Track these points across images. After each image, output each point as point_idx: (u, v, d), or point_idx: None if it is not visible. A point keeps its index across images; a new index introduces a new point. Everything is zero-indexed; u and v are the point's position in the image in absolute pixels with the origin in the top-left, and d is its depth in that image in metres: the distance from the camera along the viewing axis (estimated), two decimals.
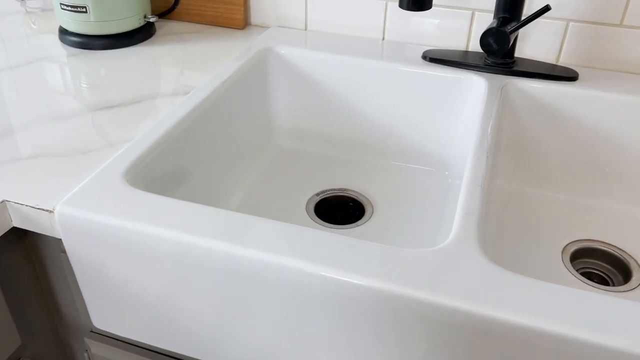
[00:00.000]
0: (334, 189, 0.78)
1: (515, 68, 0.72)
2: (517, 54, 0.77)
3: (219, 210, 0.47)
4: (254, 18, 0.90)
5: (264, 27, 0.90)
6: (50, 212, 0.49)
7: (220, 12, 0.89)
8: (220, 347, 0.52)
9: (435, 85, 0.74)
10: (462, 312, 0.39)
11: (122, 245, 0.48)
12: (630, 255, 0.66)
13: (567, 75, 0.71)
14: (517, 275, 0.42)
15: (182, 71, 0.76)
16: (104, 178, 0.52)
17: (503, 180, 0.77)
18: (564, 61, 0.77)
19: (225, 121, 0.71)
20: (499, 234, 0.69)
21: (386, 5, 0.81)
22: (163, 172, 0.59)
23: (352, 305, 0.42)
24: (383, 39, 0.84)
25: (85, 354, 0.65)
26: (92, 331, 0.64)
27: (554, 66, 0.74)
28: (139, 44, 0.84)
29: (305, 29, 0.88)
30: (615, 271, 0.67)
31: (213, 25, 0.91)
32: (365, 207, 0.75)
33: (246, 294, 0.46)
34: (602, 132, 0.71)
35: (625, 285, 0.63)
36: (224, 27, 0.90)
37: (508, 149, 0.75)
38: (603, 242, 0.68)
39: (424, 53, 0.77)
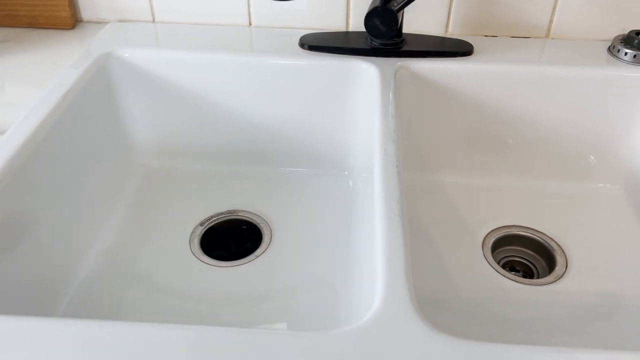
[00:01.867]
0: (221, 213, 0.65)
1: (405, 48, 0.63)
2: (404, 29, 0.68)
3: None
4: (85, 13, 0.72)
5: (100, 23, 0.72)
6: None
7: (39, 10, 0.70)
8: None
9: (319, 78, 0.63)
10: None
11: None
12: (550, 237, 0.62)
13: (461, 51, 0.63)
14: (462, 341, 0.33)
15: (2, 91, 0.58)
16: None
17: (408, 171, 0.69)
18: (454, 31, 0.69)
19: (70, 150, 0.55)
20: (412, 230, 0.62)
21: None
22: None
23: None
24: (250, 24, 0.71)
25: None
26: None
27: (445, 39, 0.66)
28: None
29: (153, 21, 0.72)
30: (537, 256, 0.62)
31: (31, 27, 0.71)
32: (261, 229, 0.63)
33: None
34: (502, 106, 0.64)
35: (551, 274, 0.58)
36: (46, 28, 0.71)
37: (409, 136, 0.67)
38: (521, 227, 0.63)
39: (301, 40, 0.65)
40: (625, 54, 0.62)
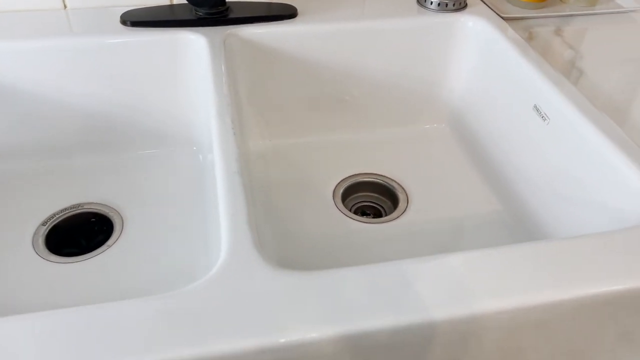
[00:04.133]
0: (65, 209, 0.62)
1: (232, 16, 0.63)
2: None
3: None
4: None
5: None
6: None
7: None
8: None
9: (148, 54, 0.62)
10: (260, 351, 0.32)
11: None
12: (391, 179, 0.67)
13: (286, 14, 0.65)
14: (306, 273, 0.35)
15: None
16: None
17: (255, 140, 0.70)
18: None
19: None
20: (267, 196, 0.63)
21: None
22: None
23: None
24: (65, 7, 0.66)
25: None
26: None
27: (270, 4, 0.67)
28: None
29: None
30: (384, 198, 0.67)
31: None
32: (111, 218, 0.61)
33: None
34: (333, 65, 0.68)
35: (395, 211, 0.64)
36: None
37: (250, 105, 0.68)
38: (365, 174, 0.68)
39: (122, 17, 0.63)
40: (431, 3, 0.69)
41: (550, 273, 0.36)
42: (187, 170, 0.67)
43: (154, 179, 0.65)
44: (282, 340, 0.31)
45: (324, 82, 0.69)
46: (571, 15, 0.72)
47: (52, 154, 0.66)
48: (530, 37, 0.66)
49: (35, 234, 0.59)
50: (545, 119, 0.55)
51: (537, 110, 0.56)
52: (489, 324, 0.34)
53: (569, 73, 0.59)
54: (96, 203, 0.63)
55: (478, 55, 0.68)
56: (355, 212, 0.65)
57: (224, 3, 0.63)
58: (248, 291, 0.34)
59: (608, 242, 0.38)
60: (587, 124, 0.49)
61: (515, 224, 0.59)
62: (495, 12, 0.69)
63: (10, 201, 0.62)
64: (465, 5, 0.69)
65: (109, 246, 0.58)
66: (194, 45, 0.62)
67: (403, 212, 0.63)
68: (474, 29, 0.68)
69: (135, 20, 0.62)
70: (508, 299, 0.34)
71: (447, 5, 0.68)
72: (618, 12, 0.73)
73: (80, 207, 0.62)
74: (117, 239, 0.58)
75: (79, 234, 0.61)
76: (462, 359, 0.37)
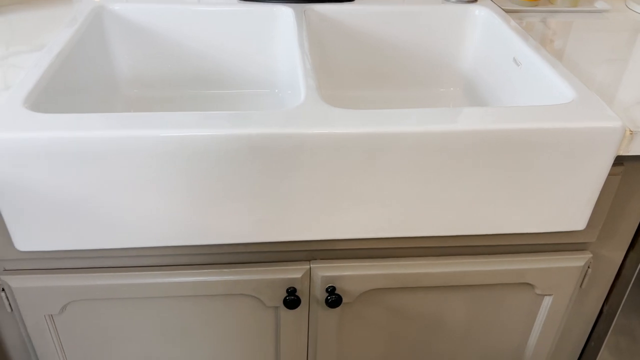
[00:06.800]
0: None
1: None
2: None
3: (116, 115, 0.59)
4: None
5: None
6: None
7: None
8: (142, 228, 0.64)
9: (252, 18, 0.92)
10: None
11: (47, 154, 0.57)
12: None
13: None
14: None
15: (30, 34, 0.82)
16: (8, 107, 0.59)
17: (324, 89, 0.98)
18: None
19: (75, 80, 0.79)
20: None
21: None
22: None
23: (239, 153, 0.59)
24: None
25: (3, 294, 0.70)
26: (5, 269, 0.69)
27: None
28: None
29: None
30: None
31: None
32: None
33: (156, 172, 0.59)
34: (376, 36, 0.96)
35: None
36: None
37: (318, 63, 0.97)
38: None
39: None
40: None
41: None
42: (270, 106, 0.95)
43: (248, 109, 0.94)
44: None
45: (370, 50, 0.97)
46: (557, 12, 0.98)
47: (183, 85, 0.96)
48: (522, 23, 0.92)
49: None
50: (519, 65, 0.80)
51: (515, 60, 0.82)
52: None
53: (545, 42, 0.85)
54: None
55: (483, 34, 0.94)
56: None
57: None
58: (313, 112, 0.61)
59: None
60: (543, 63, 0.75)
61: None
62: (498, 5, 0.96)
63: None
64: (476, 0, 0.97)
65: None
66: (285, 15, 0.91)
67: None
68: (481, 15, 0.94)
69: None
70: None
71: None
72: (593, 12, 0.99)
73: None
74: None
75: None
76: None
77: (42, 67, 0.69)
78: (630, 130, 0.63)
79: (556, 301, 0.79)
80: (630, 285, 0.79)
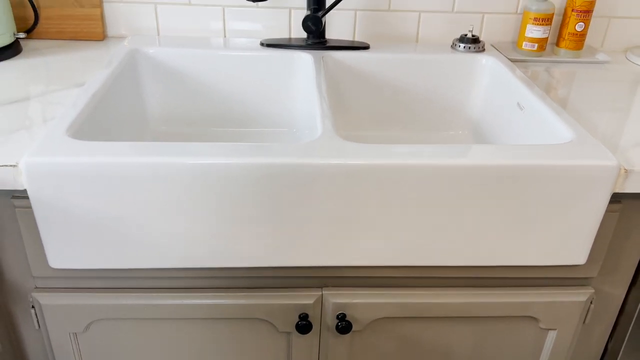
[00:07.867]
0: None
1: (328, 45, 1.01)
2: (327, 36, 1.06)
3: (150, 143, 0.65)
4: (110, 30, 1.06)
5: (121, 38, 1.06)
6: (14, 166, 0.62)
7: (80, 27, 1.03)
8: (165, 249, 0.68)
9: (274, 63, 0.99)
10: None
11: (82, 178, 0.62)
12: None
13: (362, 46, 1.01)
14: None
15: (68, 74, 0.89)
16: (53, 136, 0.66)
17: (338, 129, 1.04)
18: (358, 38, 1.08)
19: (112, 115, 0.86)
20: None
21: (223, 10, 1.05)
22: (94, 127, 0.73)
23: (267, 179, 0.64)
24: (225, 36, 1.07)
25: (32, 311, 0.74)
26: (36, 287, 0.74)
27: (353, 41, 1.05)
28: (9, 59, 0.94)
29: (158, 34, 1.06)
30: None
31: (74, 40, 1.04)
32: None
33: (188, 194, 0.64)
34: (390, 82, 1.02)
35: None
36: (85, 40, 1.04)
37: (335, 106, 1.03)
38: None
39: (260, 42, 1.02)
40: (460, 47, 1.03)
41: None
42: (286, 140, 1.01)
43: None
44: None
45: (383, 93, 1.03)
46: (560, 62, 1.04)
47: (208, 124, 1.03)
48: (527, 72, 0.98)
49: None
50: (522, 109, 0.86)
51: (519, 105, 0.87)
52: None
53: (549, 90, 0.90)
54: None
55: (490, 82, 1.00)
56: None
57: (324, 36, 1.01)
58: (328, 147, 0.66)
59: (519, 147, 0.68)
60: (545, 108, 0.80)
61: None
62: (504, 55, 1.03)
63: None
64: (484, 50, 1.03)
65: None
66: (304, 60, 0.99)
67: None
68: (488, 65, 1.01)
69: (269, 43, 1.00)
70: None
71: (470, 48, 1.02)
72: (595, 63, 1.04)
73: None
74: None
75: None
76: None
77: (82, 102, 0.76)
78: (625, 169, 0.67)
79: (560, 336, 0.82)
80: (632, 323, 0.81)
